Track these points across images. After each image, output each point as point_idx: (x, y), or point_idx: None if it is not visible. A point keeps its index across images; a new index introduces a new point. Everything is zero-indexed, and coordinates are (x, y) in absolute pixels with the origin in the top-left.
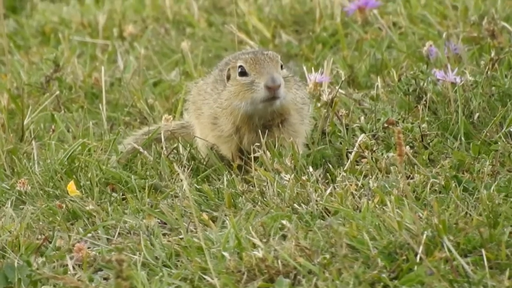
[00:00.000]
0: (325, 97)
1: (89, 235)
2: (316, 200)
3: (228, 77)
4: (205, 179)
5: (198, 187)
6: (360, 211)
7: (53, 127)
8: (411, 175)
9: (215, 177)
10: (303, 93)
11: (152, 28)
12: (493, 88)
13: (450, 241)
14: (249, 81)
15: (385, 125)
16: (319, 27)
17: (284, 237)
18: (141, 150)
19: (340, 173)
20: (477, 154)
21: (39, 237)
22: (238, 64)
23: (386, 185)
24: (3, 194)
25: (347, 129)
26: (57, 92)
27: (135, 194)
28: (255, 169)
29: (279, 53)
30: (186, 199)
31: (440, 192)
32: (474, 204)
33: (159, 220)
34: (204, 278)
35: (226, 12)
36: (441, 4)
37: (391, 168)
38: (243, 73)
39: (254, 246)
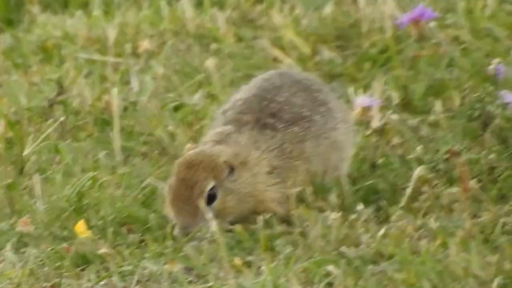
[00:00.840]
0: (375, 124)
1: (102, 282)
2: (368, 243)
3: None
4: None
5: (229, 227)
6: (419, 255)
7: (57, 158)
8: (478, 214)
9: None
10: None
11: (171, 43)
12: None
13: None
14: None
15: (446, 156)
16: (367, 42)
17: (330, 285)
18: (160, 186)
19: (395, 211)
20: None
21: (44, 285)
22: None
23: (449, 225)
24: (2, 236)
25: (401, 160)
26: (62, 118)
27: (155, 235)
28: (295, 207)
29: (320, 72)
30: (215, 241)
31: None
32: None
33: (183, 266)
34: None
35: (257, 25)
36: (510, 15)
37: (455, 205)
38: None
39: None
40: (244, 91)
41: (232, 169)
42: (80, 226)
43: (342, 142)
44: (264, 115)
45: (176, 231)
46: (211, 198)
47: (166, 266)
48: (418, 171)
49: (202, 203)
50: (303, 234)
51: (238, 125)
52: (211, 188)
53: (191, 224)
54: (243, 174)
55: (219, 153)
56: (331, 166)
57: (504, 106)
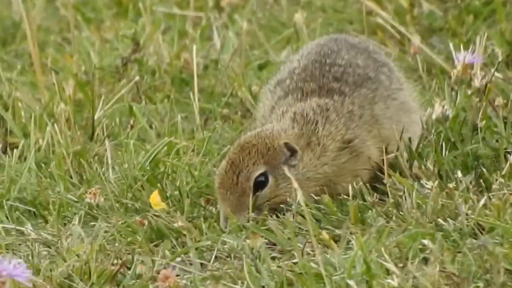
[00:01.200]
0: (477, 83)
1: (178, 259)
2: (466, 214)
3: None
4: (325, 188)
5: (316, 197)
6: None
7: (131, 122)
8: None
9: None
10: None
11: None
12: None
13: None
14: None
15: None
16: None
17: (425, 260)
18: None
19: (496, 179)
20: None
21: (115, 262)
22: None
23: None
24: (69, 208)
25: (505, 122)
26: (137, 78)
27: None
28: (389, 175)
29: (419, 27)
30: (300, 213)
31: None
32: None
33: (266, 240)
34: None
35: None
36: None
37: None
38: None
39: (388, 272)
40: (299, 59)
41: (293, 152)
42: (155, 197)
43: (409, 103)
44: (328, 80)
45: (221, 222)
46: (259, 186)
47: (247, 241)
48: None
49: (248, 190)
50: (397, 205)
51: (302, 95)
52: (261, 175)
53: (235, 213)
54: (306, 156)
55: (279, 135)
56: (401, 130)
57: None
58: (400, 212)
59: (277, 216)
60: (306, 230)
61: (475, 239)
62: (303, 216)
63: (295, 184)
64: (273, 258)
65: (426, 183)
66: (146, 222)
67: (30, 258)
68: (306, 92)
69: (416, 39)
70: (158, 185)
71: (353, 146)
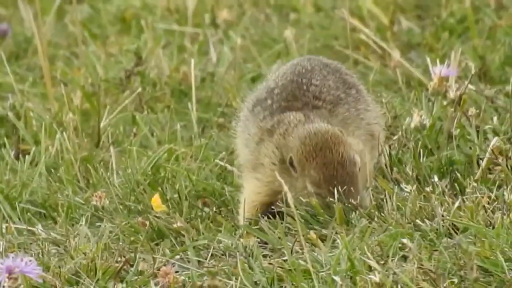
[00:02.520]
0: (452, 94)
1: (177, 257)
2: (442, 215)
3: (292, 164)
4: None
5: (304, 200)
6: (493, 227)
7: (134, 130)
8: None
9: None
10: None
11: (250, 14)
12: None
13: None
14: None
15: None
16: (446, 12)
17: (404, 258)
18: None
19: (470, 184)
20: None
21: (119, 259)
22: (309, 183)
23: None
24: (77, 210)
25: (477, 131)
26: (139, 89)
27: (230, 209)
28: (372, 178)
29: (399, 42)
30: (290, 214)
31: None
32: None
33: (258, 240)
34: None
35: None
36: None
37: None
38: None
39: (370, 269)
40: (276, 79)
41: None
42: (156, 200)
43: (374, 126)
44: (309, 99)
45: None
46: None
47: (241, 240)
48: (494, 142)
49: None
50: (378, 207)
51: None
52: None
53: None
54: None
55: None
56: (369, 149)
57: None
58: (382, 214)
59: (269, 218)
60: (295, 230)
61: (450, 238)
62: (292, 217)
63: (285, 188)
64: (264, 256)
65: (405, 187)
66: (147, 223)
67: (40, 256)
68: (294, 110)
69: (396, 54)
70: (159, 188)
71: None
